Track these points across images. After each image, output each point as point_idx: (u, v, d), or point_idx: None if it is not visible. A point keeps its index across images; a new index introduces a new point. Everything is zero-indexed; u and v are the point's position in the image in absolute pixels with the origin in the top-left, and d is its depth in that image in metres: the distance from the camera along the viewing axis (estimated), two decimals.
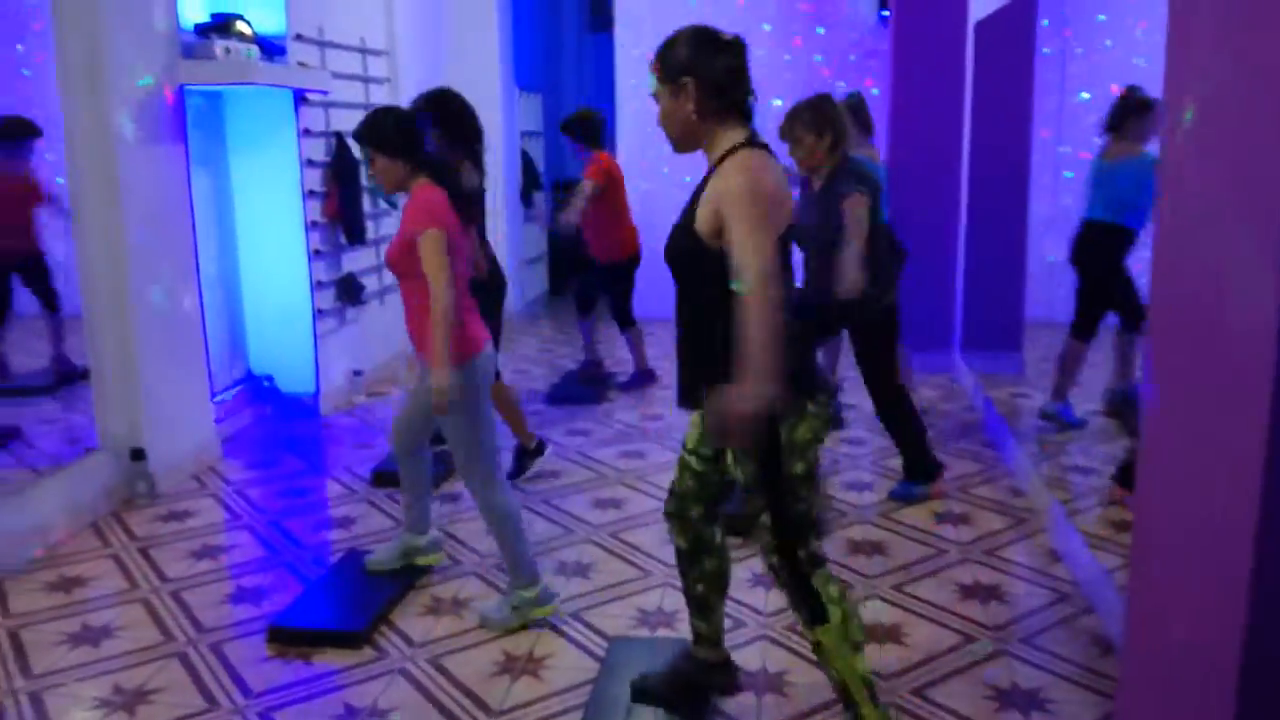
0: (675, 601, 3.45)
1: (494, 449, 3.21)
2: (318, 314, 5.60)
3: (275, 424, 5.55)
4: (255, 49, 4.83)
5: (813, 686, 2.91)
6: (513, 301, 8.64)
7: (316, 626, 3.21)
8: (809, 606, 2.39)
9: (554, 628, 3.27)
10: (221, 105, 5.31)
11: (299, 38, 5.41)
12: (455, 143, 4.18)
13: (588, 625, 3.30)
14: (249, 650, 3.15)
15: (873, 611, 3.37)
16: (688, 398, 2.45)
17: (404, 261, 3.09)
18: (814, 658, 2.81)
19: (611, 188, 5.71)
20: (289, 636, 3.18)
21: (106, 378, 4.35)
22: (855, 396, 5.97)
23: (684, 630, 3.25)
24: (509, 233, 8.32)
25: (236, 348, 5.61)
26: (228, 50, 4.61)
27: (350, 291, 5.98)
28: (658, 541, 3.95)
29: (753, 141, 2.31)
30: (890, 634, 3.22)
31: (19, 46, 6.42)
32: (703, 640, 2.77)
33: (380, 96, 6.44)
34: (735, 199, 2.17)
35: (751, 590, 3.53)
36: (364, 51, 6.24)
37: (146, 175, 4.38)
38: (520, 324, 8.49)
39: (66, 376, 4.72)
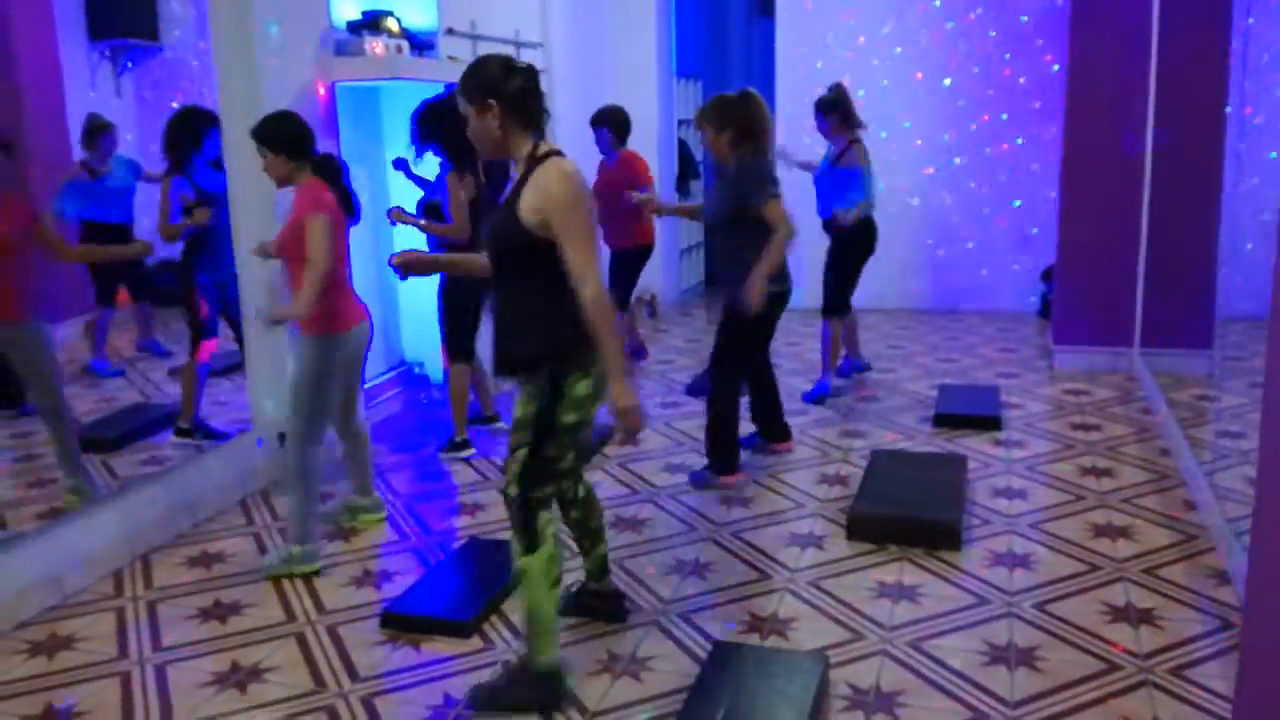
0: (792, 608, 3.29)
1: (325, 410, 3.64)
2: None
3: (423, 410, 5.69)
4: (405, 44, 4.93)
5: (929, 712, 2.70)
6: (667, 291, 8.60)
7: (427, 614, 3.23)
8: (526, 537, 2.71)
9: (662, 628, 3.18)
10: (376, 100, 5.47)
11: (450, 32, 5.51)
12: (453, 156, 4.60)
13: (697, 628, 3.19)
14: (363, 634, 3.20)
15: (1008, 630, 3.11)
16: (503, 367, 2.78)
17: (291, 246, 3.51)
18: (932, 675, 2.81)
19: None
20: (401, 623, 3.22)
21: (259, 363, 4.56)
22: (1018, 397, 5.60)
23: (796, 639, 3.10)
24: (666, 222, 8.25)
25: (389, 336, 5.78)
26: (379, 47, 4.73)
27: None
28: (782, 542, 3.79)
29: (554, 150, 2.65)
30: (1024, 657, 2.96)
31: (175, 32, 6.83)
32: (590, 575, 3.26)
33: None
34: (564, 210, 2.53)
35: (874, 601, 3.33)
36: (518, 44, 6.29)
37: None
38: (673, 314, 8.43)
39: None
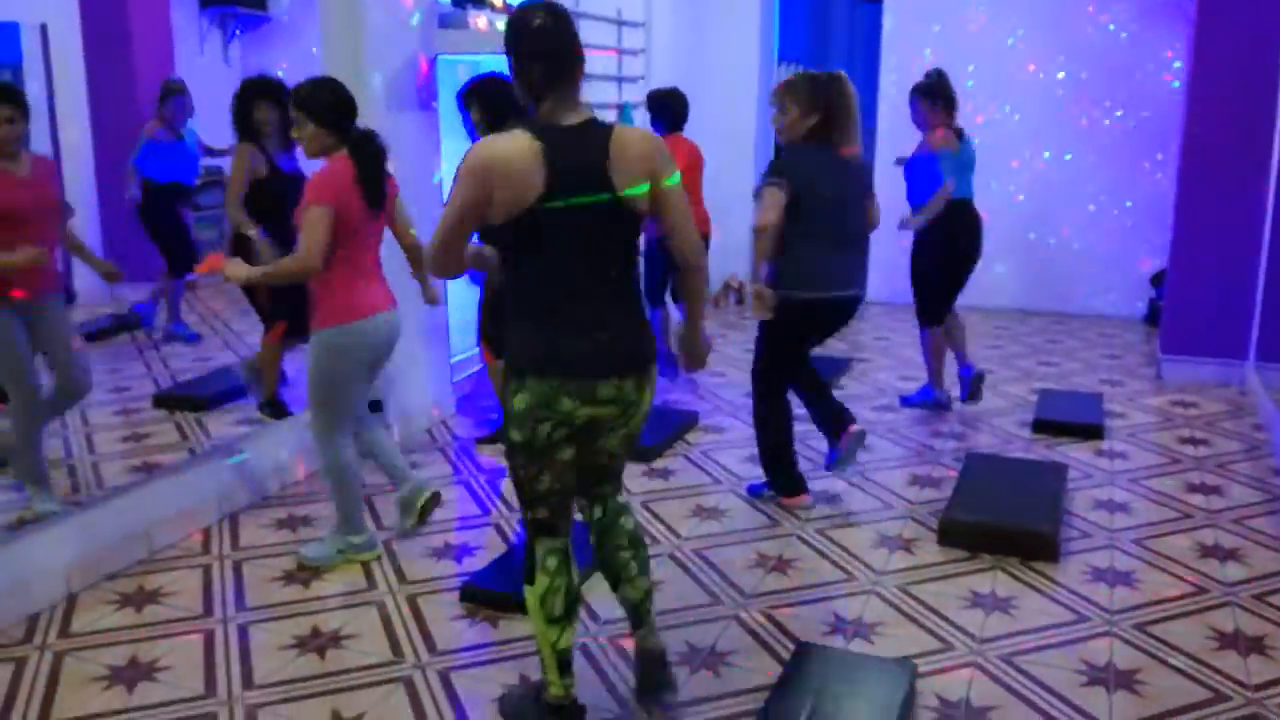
0: (878, 611, 3.19)
1: (347, 408, 3.42)
2: None
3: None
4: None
5: None
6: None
7: (506, 591, 3.20)
8: (526, 565, 2.51)
9: (741, 623, 3.10)
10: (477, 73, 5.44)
11: None
12: (495, 124, 4.19)
13: (779, 626, 3.10)
14: (443, 607, 3.19)
15: (1108, 651, 2.96)
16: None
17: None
18: (1026, 692, 2.73)
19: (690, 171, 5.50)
20: (481, 597, 3.20)
21: None
22: (1122, 406, 5.37)
23: (881, 645, 2.99)
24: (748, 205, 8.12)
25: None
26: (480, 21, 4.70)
27: None
28: (869, 544, 3.68)
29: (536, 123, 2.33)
30: (1124, 679, 2.82)
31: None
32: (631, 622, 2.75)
33: (634, 68, 6.42)
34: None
35: (966, 611, 3.20)
36: (620, 23, 6.23)
37: (398, 143, 4.54)
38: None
39: None
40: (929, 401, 5.30)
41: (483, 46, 4.76)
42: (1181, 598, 3.30)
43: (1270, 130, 5.52)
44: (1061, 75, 7.40)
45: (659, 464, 4.46)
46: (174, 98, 5.63)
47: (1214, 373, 5.84)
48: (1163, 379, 5.91)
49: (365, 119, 4.36)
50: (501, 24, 4.71)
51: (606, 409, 2.37)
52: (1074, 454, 4.65)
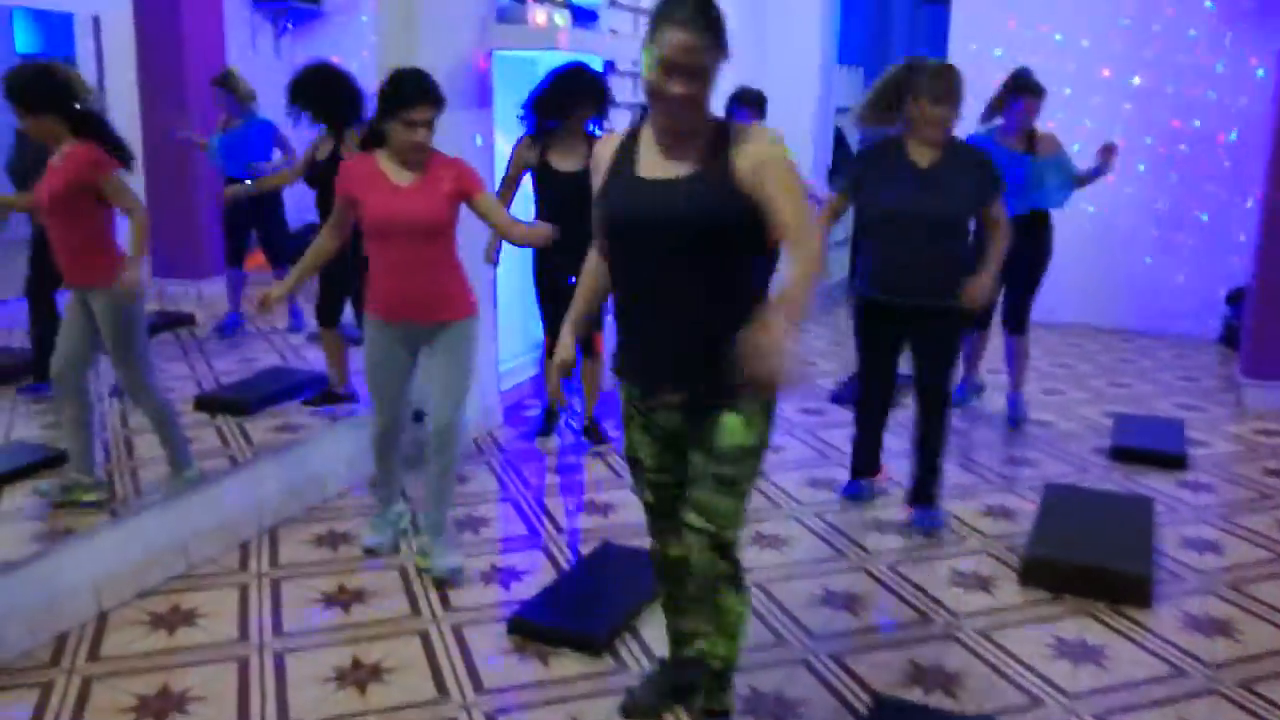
0: (959, 659, 2.95)
1: (374, 399, 3.43)
2: None
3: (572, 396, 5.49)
4: (567, 14, 4.71)
5: None
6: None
7: (557, 625, 3.01)
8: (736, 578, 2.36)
9: (810, 668, 2.88)
10: (533, 71, 5.26)
11: (614, 3, 5.27)
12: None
13: (850, 672, 2.87)
14: (489, 639, 3.00)
15: (1211, 712, 2.71)
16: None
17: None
18: None
19: None
20: (530, 630, 3.00)
21: None
22: (1203, 433, 5.07)
23: (965, 699, 2.76)
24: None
25: (529, 314, 5.59)
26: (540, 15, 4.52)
27: None
28: (944, 581, 3.44)
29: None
30: None
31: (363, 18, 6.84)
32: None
33: None
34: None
35: (1053, 662, 2.95)
36: None
37: (451, 139, 4.37)
38: (816, 313, 8.04)
39: None
40: (966, 394, 5.27)
41: (540, 43, 4.56)
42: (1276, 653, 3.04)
43: None
44: (1136, 81, 7.08)
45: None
46: (214, 90, 5.56)
47: None
48: (1244, 405, 5.60)
49: None
50: (561, 18, 4.53)
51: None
52: (1155, 485, 4.37)
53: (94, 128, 3.37)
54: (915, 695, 2.77)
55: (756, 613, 3.18)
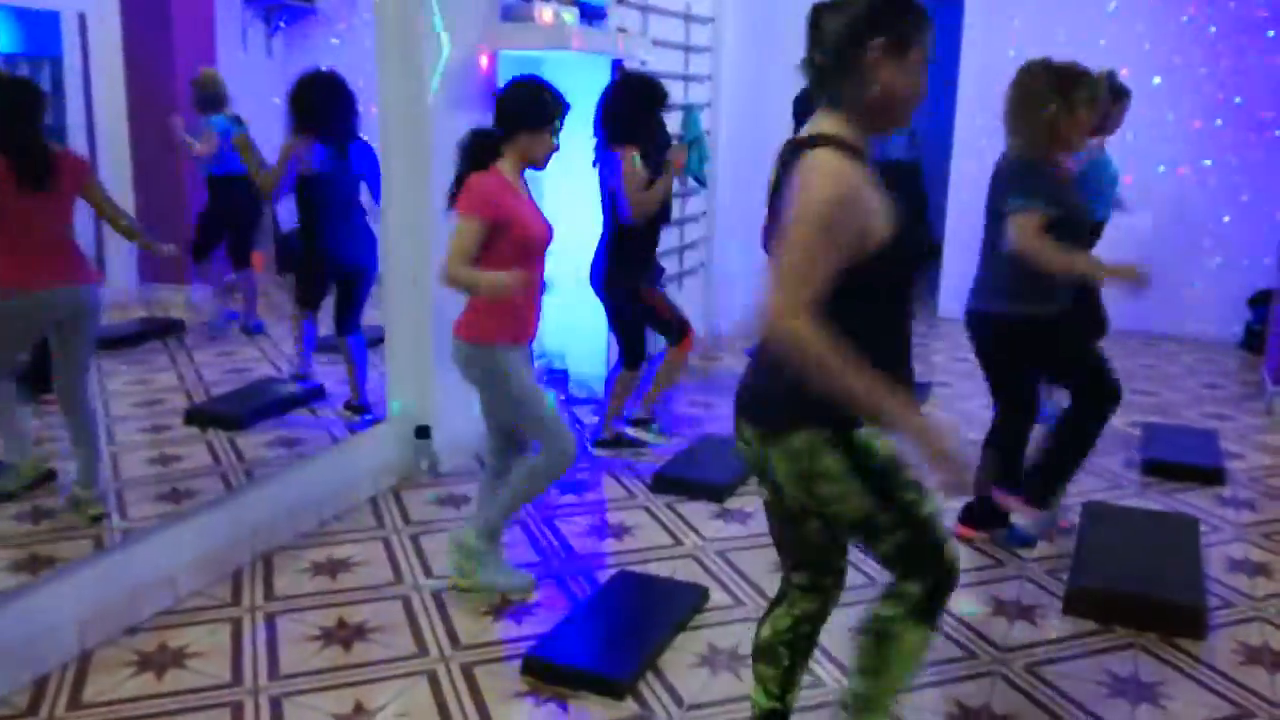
0: (1008, 700, 2.74)
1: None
2: None
3: (564, 406, 5.28)
4: (575, 11, 4.50)
5: None
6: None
7: (576, 664, 2.79)
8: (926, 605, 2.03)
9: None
10: (540, 70, 5.05)
11: (622, 1, 5.05)
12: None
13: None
14: (502, 680, 2.78)
15: None
16: None
17: None
18: None
19: None
20: (546, 671, 2.79)
21: (400, 349, 4.22)
22: (1235, 444, 4.87)
23: None
24: None
25: None
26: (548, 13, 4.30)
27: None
28: (984, 611, 3.23)
29: None
30: None
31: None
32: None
33: (700, 67, 6.00)
34: None
35: (1109, 701, 2.75)
36: (688, 18, 5.81)
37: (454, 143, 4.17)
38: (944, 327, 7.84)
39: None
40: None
41: (548, 42, 4.35)
42: None
43: None
44: (1157, 81, 6.89)
45: (732, 504, 4.03)
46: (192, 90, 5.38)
47: None
48: (1274, 413, 5.41)
49: (419, 118, 4.01)
50: (570, 15, 4.32)
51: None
52: (1194, 501, 4.17)
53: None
54: None
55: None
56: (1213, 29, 6.72)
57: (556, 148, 3.07)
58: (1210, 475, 4.39)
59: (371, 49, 4.09)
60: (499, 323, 3.00)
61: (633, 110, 4.24)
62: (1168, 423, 5.17)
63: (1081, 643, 3.06)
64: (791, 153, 1.86)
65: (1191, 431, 4.99)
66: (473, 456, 4.45)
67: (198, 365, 5.22)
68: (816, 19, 1.86)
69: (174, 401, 4.75)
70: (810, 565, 2.20)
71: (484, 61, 4.29)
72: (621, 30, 4.95)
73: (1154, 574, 3.29)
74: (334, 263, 4.50)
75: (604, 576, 3.39)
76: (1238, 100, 6.76)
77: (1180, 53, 6.80)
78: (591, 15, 4.67)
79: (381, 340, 4.32)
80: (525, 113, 2.97)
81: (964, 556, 3.60)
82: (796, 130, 5.14)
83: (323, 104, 4.31)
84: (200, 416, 4.54)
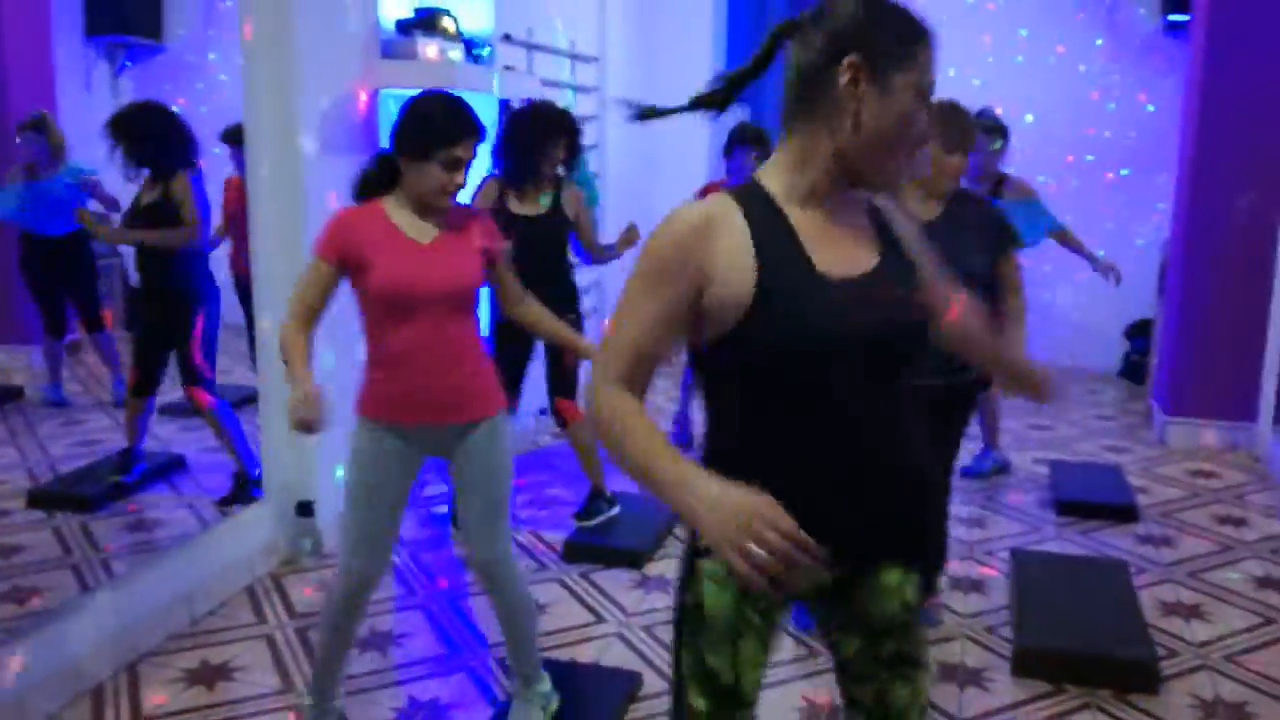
0: None
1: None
2: None
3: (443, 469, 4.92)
4: (460, 49, 4.22)
5: None
6: None
7: None
8: None
9: None
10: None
11: (507, 38, 4.80)
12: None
13: None
14: None
15: None
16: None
17: None
18: None
19: None
20: None
21: (276, 414, 3.80)
22: (1139, 478, 4.87)
23: None
24: None
25: None
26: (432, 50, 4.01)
27: None
28: (931, 676, 3.04)
29: None
30: None
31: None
32: None
33: (588, 106, 5.79)
34: None
35: None
36: (573, 57, 5.60)
37: (334, 189, 3.82)
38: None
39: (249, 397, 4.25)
40: (990, 467, 4.86)
41: (435, 81, 4.04)
42: None
43: (1276, 180, 5.16)
44: (1030, 119, 7.03)
45: (652, 570, 3.76)
46: (24, 132, 4.82)
47: (1221, 436, 5.42)
48: (1168, 444, 5.48)
49: (292, 161, 3.66)
50: (455, 53, 4.05)
51: None
52: (1113, 541, 4.12)
53: None
54: None
55: None
56: (1082, 67, 6.91)
57: (459, 185, 2.46)
58: (1124, 513, 4.36)
59: (227, 83, 3.73)
60: (368, 390, 2.52)
61: (532, 142, 3.90)
62: (1071, 459, 5.16)
63: (1039, 707, 2.90)
64: None
65: (1097, 467, 4.99)
66: None
67: (41, 438, 4.67)
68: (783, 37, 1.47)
69: (15, 481, 4.22)
70: None
71: (363, 100, 3.96)
72: (508, 68, 4.69)
73: (1098, 627, 3.18)
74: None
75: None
76: (1107, 134, 6.95)
77: (1053, 94, 6.96)
78: (477, 53, 4.40)
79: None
80: (403, 137, 2.41)
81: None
82: (729, 171, 5.01)
83: (160, 137, 3.91)
84: (45, 497, 4.02)
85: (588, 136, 5.72)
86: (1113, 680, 2.96)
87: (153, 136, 3.88)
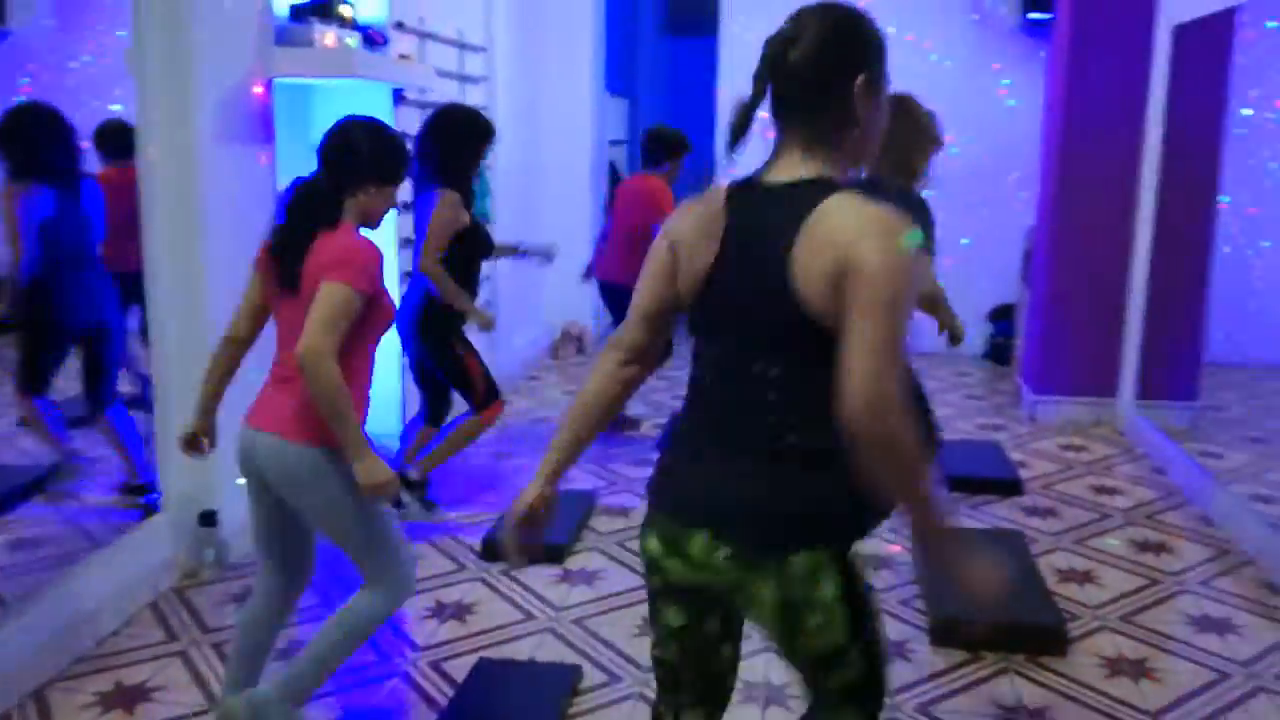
0: None
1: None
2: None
3: None
4: (357, 36, 4.09)
5: None
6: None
7: None
8: None
9: None
10: (309, 99, 4.58)
11: (400, 26, 4.68)
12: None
13: None
14: None
15: None
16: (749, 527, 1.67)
17: None
18: None
19: None
20: None
21: (174, 421, 3.61)
22: (1015, 453, 5.15)
23: None
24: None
25: None
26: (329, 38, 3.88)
27: None
28: None
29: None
30: None
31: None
32: None
33: (477, 97, 5.71)
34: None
35: None
36: (462, 47, 5.51)
37: (229, 181, 3.66)
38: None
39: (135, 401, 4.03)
40: None
41: (335, 69, 3.92)
42: (1209, 687, 2.98)
43: (1134, 174, 5.52)
44: None
45: (574, 564, 3.76)
46: None
47: (1086, 412, 5.78)
48: (1039, 421, 5.81)
49: (186, 151, 3.48)
50: (352, 40, 3.94)
51: (701, 574, 1.68)
52: (1002, 514, 4.35)
53: None
54: None
55: None
56: (948, 62, 7.22)
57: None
58: (1009, 486, 4.60)
59: (82, 75, 3.52)
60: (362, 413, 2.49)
61: (457, 147, 3.87)
62: (952, 437, 5.40)
63: (960, 674, 3.04)
64: (804, 198, 1.56)
65: (977, 444, 5.25)
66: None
67: None
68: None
69: None
70: (712, 701, 1.86)
71: (259, 90, 3.79)
72: (404, 57, 4.57)
73: (1010, 596, 3.34)
74: (69, 324, 3.82)
75: (458, 669, 3.02)
76: (972, 127, 7.27)
77: (914, 82, 7.23)
78: (373, 41, 4.28)
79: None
80: (382, 161, 2.44)
81: None
82: (649, 166, 5.03)
83: (42, 140, 3.67)
84: None
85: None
86: (1025, 645, 3.14)
87: (38, 142, 3.64)
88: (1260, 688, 2.98)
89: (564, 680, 2.90)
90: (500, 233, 6.08)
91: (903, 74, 7.18)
